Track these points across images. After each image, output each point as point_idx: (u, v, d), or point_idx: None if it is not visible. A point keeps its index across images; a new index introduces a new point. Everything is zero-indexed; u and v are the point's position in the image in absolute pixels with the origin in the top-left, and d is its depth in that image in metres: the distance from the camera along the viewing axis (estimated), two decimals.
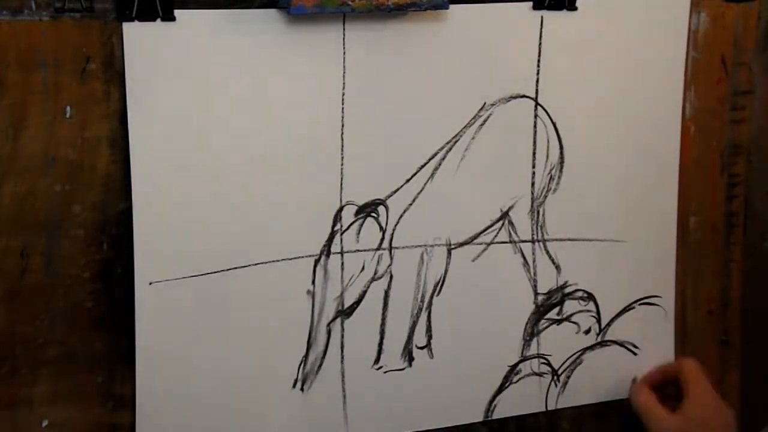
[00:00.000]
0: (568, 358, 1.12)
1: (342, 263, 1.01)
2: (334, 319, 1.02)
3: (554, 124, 1.07)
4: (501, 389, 1.10)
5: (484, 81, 1.04)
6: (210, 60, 0.93)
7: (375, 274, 1.03)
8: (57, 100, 0.90)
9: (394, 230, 1.03)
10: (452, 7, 0.98)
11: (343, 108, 0.99)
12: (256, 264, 0.98)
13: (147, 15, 0.90)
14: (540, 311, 1.10)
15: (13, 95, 0.88)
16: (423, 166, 1.03)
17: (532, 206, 1.08)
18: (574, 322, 1.12)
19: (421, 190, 1.03)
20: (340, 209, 1.01)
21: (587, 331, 1.13)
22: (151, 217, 0.93)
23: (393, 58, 1.00)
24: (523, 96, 1.06)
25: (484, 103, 1.04)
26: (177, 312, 0.96)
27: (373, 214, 1.02)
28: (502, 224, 1.07)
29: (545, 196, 1.08)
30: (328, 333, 1.02)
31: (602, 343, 1.13)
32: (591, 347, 1.13)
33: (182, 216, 0.95)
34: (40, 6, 0.88)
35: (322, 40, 0.97)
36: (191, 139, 0.94)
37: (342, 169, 1.00)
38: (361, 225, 1.02)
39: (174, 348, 0.96)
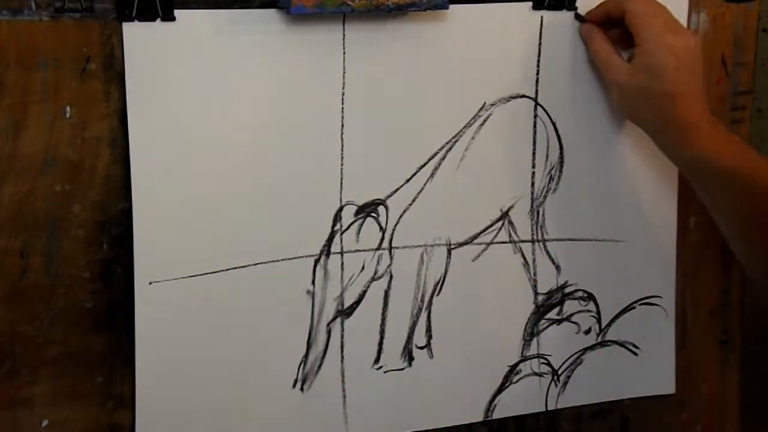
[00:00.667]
0: (568, 358, 1.12)
1: (342, 263, 1.01)
2: (334, 319, 1.02)
3: (554, 124, 1.07)
4: (501, 389, 1.10)
5: (484, 81, 1.04)
6: (210, 60, 0.93)
7: (375, 274, 1.03)
8: (57, 100, 0.90)
9: (394, 230, 1.03)
10: (452, 7, 0.98)
11: (343, 108, 0.99)
12: (256, 264, 0.98)
13: (147, 15, 0.90)
14: (540, 311, 1.10)
15: (13, 95, 0.88)
16: (423, 166, 1.03)
17: (532, 206, 1.08)
18: (574, 322, 1.12)
19: (421, 190, 1.03)
20: (340, 209, 1.01)
21: (587, 331, 1.13)
22: (151, 217, 0.93)
23: (393, 58, 1.00)
24: (523, 96, 1.06)
25: (484, 103, 1.04)
26: (177, 312, 0.96)
27: (373, 214, 1.02)
28: (502, 224, 1.07)
29: (545, 196, 1.08)
30: (328, 333, 1.02)
31: (602, 343, 1.13)
32: (591, 347, 1.13)
33: (182, 216, 0.95)
34: (40, 6, 0.88)
35: (322, 40, 0.97)
36: (191, 139, 0.94)
37: (342, 169, 1.00)
38: (361, 225, 1.02)
39: (174, 348, 0.96)
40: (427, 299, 1.05)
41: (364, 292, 1.03)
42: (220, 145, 0.95)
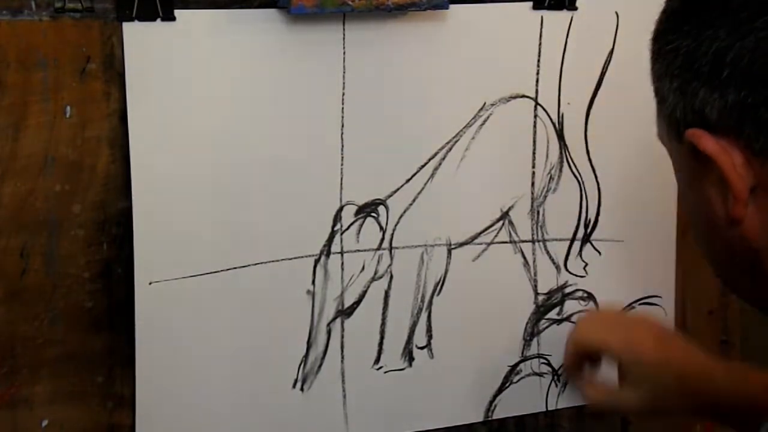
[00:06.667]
0: None
1: (342, 263, 1.01)
2: (334, 319, 1.02)
3: (554, 124, 1.07)
4: (501, 389, 1.10)
5: (484, 81, 1.04)
6: (210, 60, 0.93)
7: (375, 274, 1.03)
8: (57, 100, 0.90)
9: (394, 230, 1.03)
10: (452, 7, 0.98)
11: (343, 108, 0.99)
12: (256, 264, 0.98)
13: (147, 15, 0.90)
14: (540, 311, 1.10)
15: (13, 95, 0.88)
16: (423, 166, 1.03)
17: (532, 206, 1.08)
18: (574, 322, 1.11)
19: (421, 190, 1.03)
20: (340, 209, 1.01)
21: None
22: (151, 217, 0.93)
23: (393, 58, 1.00)
24: (523, 96, 1.06)
25: (484, 103, 1.04)
26: (177, 312, 0.96)
27: (373, 214, 1.02)
28: (502, 224, 1.07)
29: (545, 196, 1.08)
30: (328, 333, 1.02)
31: None
32: None
33: (182, 216, 0.95)
34: (40, 6, 0.88)
35: (322, 40, 0.97)
36: (191, 139, 0.94)
37: (342, 169, 1.00)
38: (361, 225, 1.02)
39: (174, 348, 0.96)
40: (427, 299, 1.05)
41: (364, 292, 1.03)
42: (219, 144, 0.95)
